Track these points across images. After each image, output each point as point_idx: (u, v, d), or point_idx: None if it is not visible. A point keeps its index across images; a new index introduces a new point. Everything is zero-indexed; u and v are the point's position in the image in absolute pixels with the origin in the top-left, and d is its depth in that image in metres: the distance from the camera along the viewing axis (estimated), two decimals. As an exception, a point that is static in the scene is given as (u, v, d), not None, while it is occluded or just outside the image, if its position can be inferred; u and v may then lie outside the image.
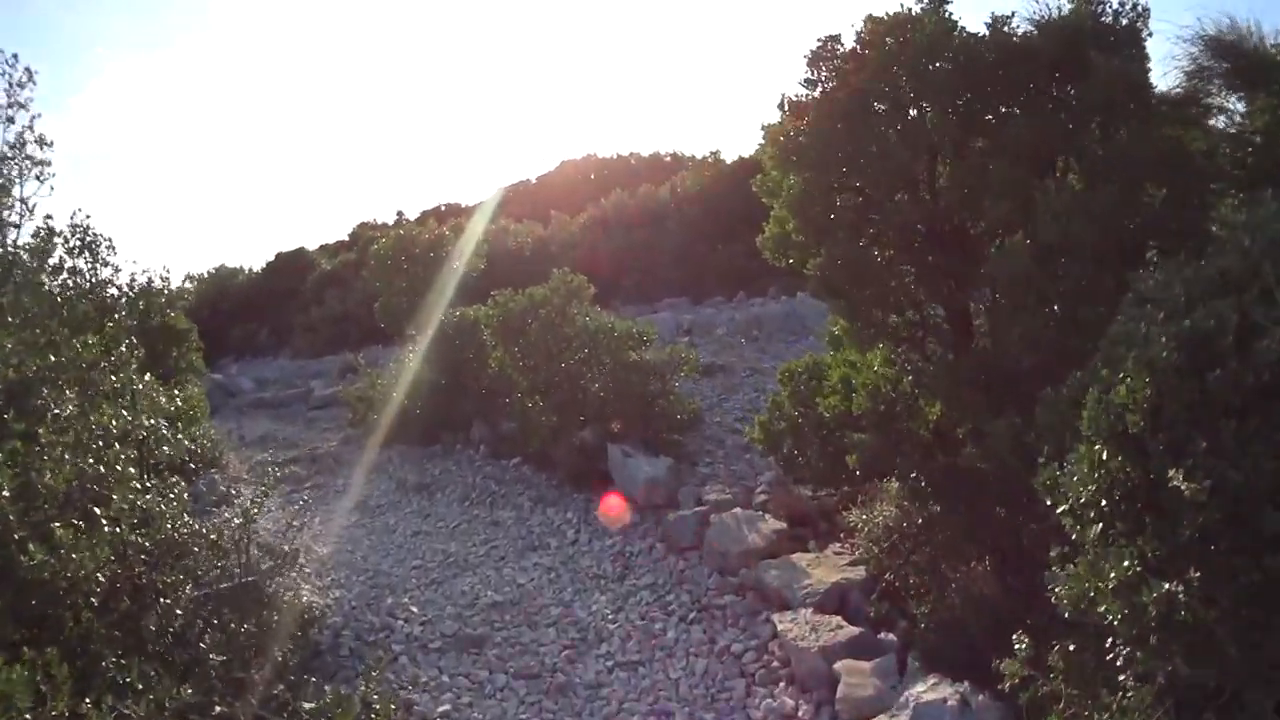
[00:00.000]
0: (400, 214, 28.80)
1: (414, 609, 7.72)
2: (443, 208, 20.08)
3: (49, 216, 6.61)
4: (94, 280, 7.68)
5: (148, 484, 4.99)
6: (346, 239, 28.97)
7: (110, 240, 7.61)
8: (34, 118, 6.37)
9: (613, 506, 9.24)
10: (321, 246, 28.85)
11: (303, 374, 20.06)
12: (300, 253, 27.37)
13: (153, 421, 5.34)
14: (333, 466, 12.62)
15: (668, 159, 32.02)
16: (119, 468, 4.77)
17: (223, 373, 22.61)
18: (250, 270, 27.60)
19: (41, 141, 6.38)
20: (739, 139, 55.80)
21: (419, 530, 9.87)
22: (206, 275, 26.90)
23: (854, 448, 6.38)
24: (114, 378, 5.23)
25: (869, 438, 6.30)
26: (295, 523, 6.12)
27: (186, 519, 5.12)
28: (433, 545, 9.31)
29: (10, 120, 6.32)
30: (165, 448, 5.41)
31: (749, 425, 8.93)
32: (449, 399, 12.61)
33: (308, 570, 6.91)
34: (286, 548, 5.85)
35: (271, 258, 27.47)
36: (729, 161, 25.86)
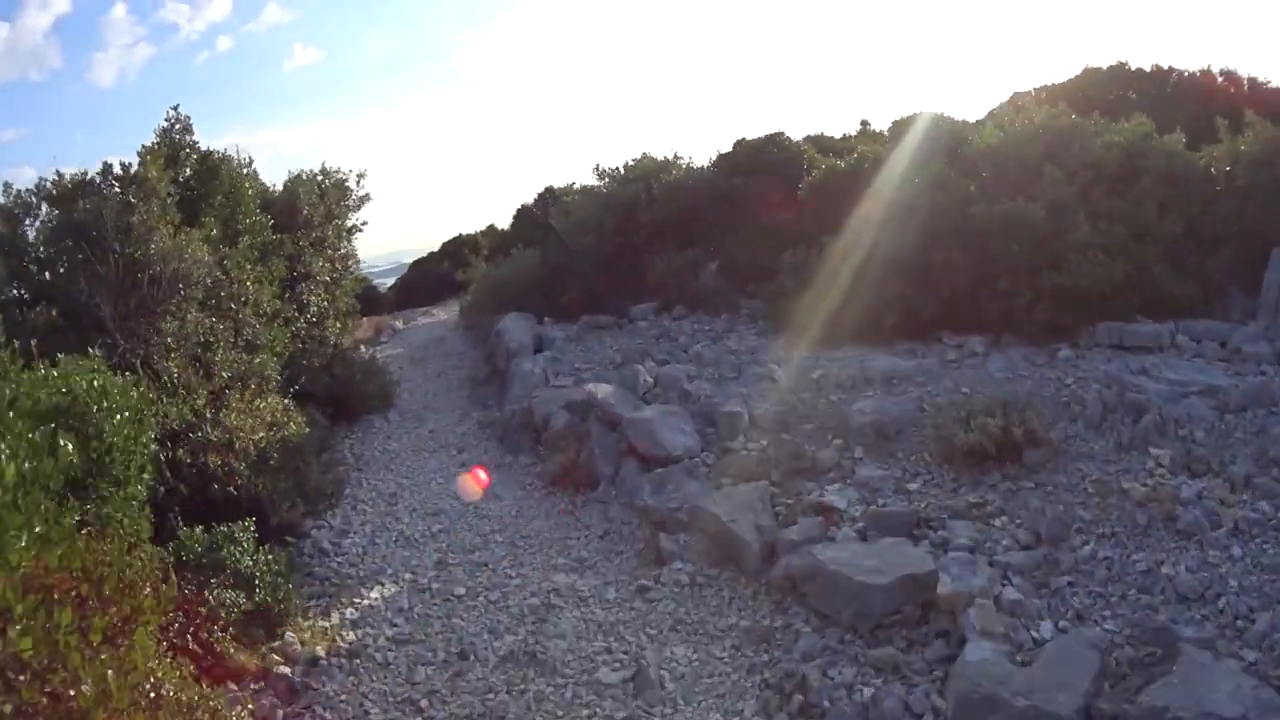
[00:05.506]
0: (865, 123, 20.22)
1: None
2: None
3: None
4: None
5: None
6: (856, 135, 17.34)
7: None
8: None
9: None
10: (808, 137, 17.19)
11: (841, 411, 8.03)
12: (776, 140, 15.98)
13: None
14: None
15: (1221, 78, 22.94)
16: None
17: (639, 355, 11.75)
18: (689, 164, 16.52)
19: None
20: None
21: None
22: (618, 171, 16.10)
23: None
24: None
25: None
26: None
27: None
28: None
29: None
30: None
31: None
32: None
33: None
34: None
35: (726, 147, 16.36)
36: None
